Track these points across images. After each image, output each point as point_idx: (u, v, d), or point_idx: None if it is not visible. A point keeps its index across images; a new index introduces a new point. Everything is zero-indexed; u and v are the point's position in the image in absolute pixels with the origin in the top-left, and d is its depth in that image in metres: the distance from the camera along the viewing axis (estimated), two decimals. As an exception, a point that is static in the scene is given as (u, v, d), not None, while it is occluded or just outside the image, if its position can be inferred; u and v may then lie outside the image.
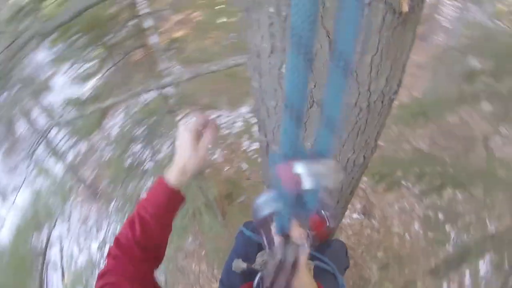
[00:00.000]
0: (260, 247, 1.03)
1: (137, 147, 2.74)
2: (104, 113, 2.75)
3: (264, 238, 0.73)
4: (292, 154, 0.51)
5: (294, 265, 0.67)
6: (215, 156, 3.40)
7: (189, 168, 0.85)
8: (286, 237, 0.67)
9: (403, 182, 3.18)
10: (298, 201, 0.57)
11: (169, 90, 2.83)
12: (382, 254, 3.02)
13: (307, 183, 0.50)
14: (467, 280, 2.82)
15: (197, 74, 1.94)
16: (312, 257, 1.47)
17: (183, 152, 0.84)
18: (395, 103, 0.97)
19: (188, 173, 0.85)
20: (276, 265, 0.67)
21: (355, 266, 2.95)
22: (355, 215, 3.26)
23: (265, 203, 0.60)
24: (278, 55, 0.86)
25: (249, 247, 1.24)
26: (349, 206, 3.13)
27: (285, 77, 0.43)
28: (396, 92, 0.94)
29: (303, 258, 0.73)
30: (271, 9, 0.79)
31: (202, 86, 2.92)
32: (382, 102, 0.90)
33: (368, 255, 3.01)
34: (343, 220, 3.08)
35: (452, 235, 3.01)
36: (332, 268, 1.41)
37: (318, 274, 1.37)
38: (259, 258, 0.97)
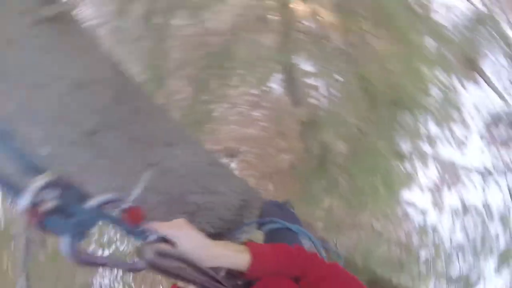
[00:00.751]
0: None
1: None
2: None
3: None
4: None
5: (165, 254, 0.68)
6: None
7: None
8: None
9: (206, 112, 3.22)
10: (77, 225, 0.56)
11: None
12: (274, 151, 3.03)
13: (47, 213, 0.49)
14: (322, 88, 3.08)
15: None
16: (258, 226, 1.59)
17: None
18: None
19: None
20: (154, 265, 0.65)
21: (278, 172, 2.95)
22: (234, 165, 3.21)
23: (66, 250, 0.55)
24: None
25: None
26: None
27: None
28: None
29: (176, 242, 0.73)
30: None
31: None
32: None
33: (270, 159, 3.03)
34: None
35: (273, 86, 3.20)
36: (282, 224, 1.46)
37: (273, 236, 1.44)
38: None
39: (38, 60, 0.64)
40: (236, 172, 3.04)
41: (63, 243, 0.56)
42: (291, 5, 3.37)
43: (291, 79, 3.14)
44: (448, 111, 2.54)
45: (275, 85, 3.20)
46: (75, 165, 0.83)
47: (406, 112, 2.56)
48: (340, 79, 2.94)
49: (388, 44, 2.89)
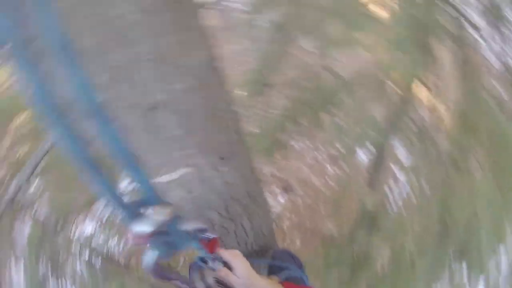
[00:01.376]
0: None
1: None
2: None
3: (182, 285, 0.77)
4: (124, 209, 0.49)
5: (221, 282, 0.82)
6: None
7: None
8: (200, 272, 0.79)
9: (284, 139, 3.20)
10: (169, 245, 0.60)
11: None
12: (324, 214, 3.02)
13: (153, 235, 0.51)
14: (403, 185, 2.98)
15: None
16: (269, 271, 1.51)
17: None
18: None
19: None
20: None
21: (315, 234, 2.90)
22: (281, 200, 3.23)
23: (149, 262, 0.60)
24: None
25: None
26: (269, 197, 3.08)
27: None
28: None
29: (226, 274, 0.87)
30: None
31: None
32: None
33: (316, 217, 3.00)
34: (276, 209, 3.02)
35: (359, 153, 3.15)
36: (300, 274, 1.46)
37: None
38: None
39: (137, 20, 0.64)
40: (278, 207, 3.08)
41: (149, 256, 0.60)
42: (414, 86, 3.21)
43: (380, 157, 3.07)
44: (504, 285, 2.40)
45: (362, 154, 3.15)
46: (124, 131, 0.85)
47: (464, 264, 2.45)
48: (426, 188, 2.83)
49: (489, 183, 2.71)
